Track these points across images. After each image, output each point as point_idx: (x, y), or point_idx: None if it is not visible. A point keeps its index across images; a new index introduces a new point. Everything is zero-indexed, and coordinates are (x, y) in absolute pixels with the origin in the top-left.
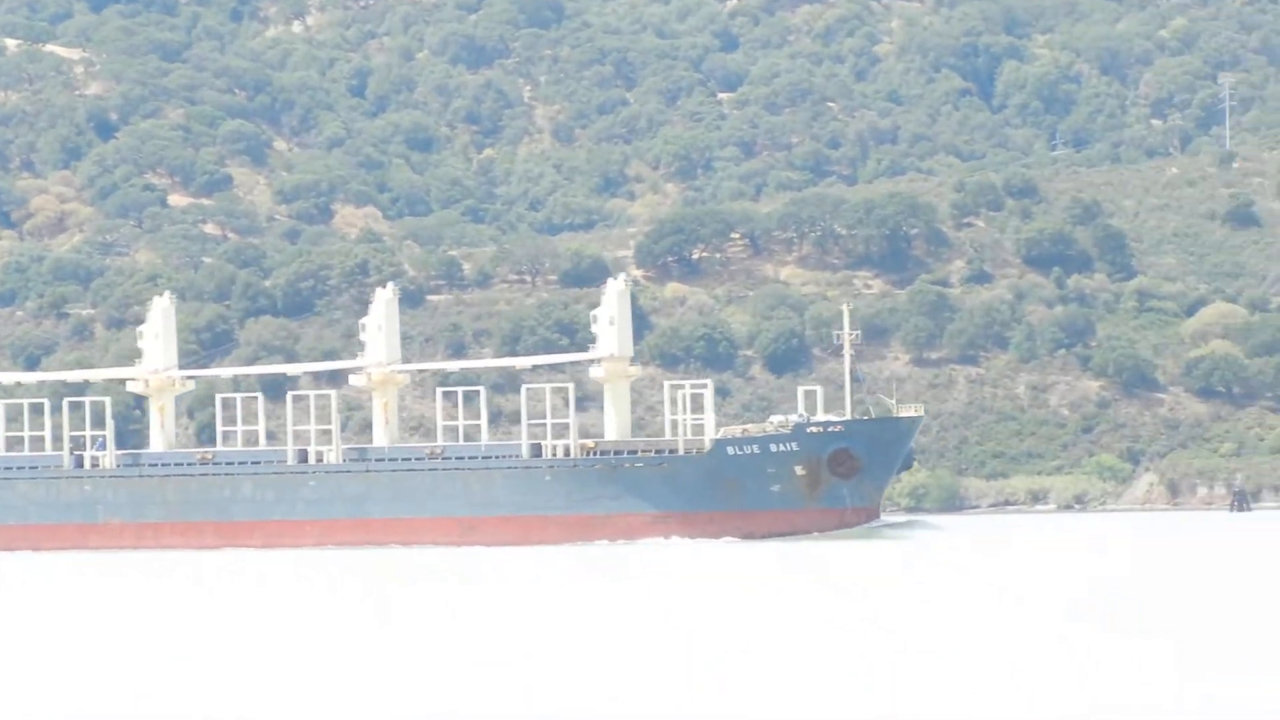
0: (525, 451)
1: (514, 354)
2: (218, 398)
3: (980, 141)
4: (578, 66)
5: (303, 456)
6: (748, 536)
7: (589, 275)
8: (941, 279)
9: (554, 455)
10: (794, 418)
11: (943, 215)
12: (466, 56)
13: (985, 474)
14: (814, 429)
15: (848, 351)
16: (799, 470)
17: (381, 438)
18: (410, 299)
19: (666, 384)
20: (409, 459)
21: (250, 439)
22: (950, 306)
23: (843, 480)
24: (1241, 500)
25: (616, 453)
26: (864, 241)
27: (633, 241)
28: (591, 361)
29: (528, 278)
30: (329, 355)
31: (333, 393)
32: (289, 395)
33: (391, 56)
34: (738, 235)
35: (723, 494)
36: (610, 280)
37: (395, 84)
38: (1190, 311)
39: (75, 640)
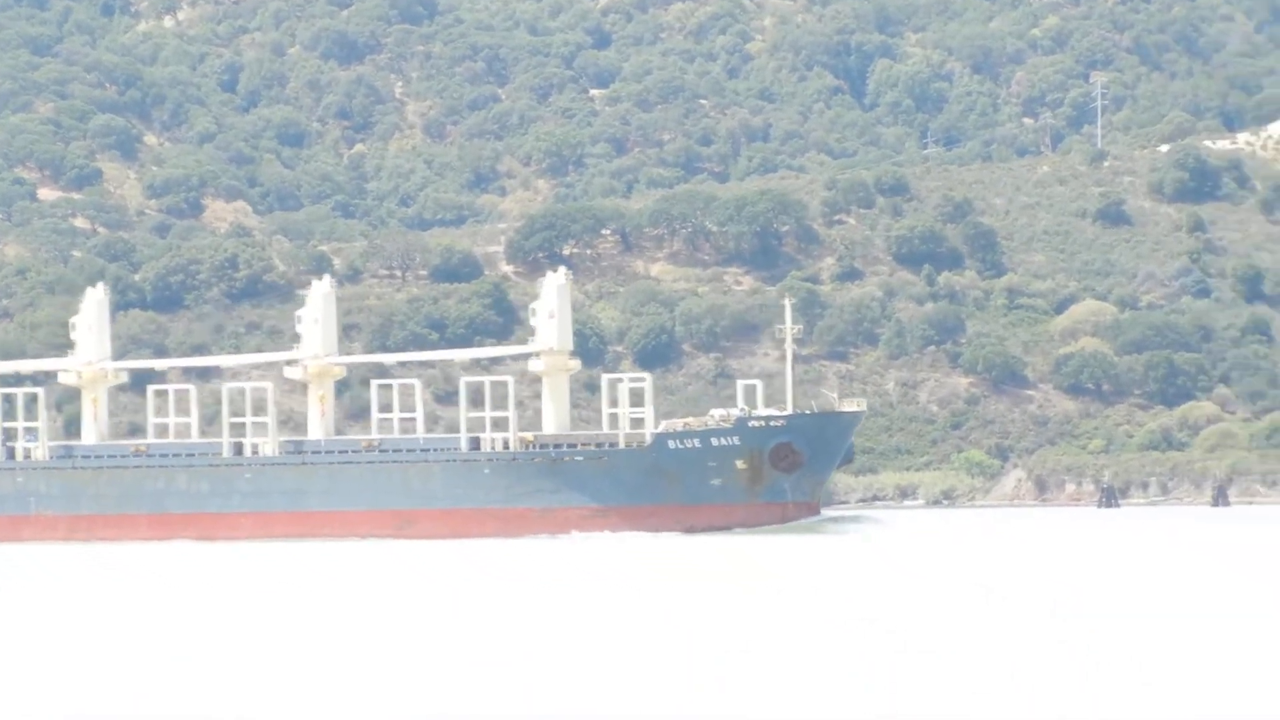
0: (464, 445)
1: (385, 349)
2: (149, 390)
3: (852, 139)
4: (449, 63)
5: (238, 449)
6: (688, 530)
7: (459, 271)
8: (812, 276)
9: (493, 449)
10: (735, 412)
11: (813, 212)
12: (338, 52)
13: (854, 469)
14: (756, 423)
15: (789, 347)
16: (740, 464)
17: (317, 430)
18: (279, 293)
19: (605, 378)
20: (345, 452)
21: (182, 431)
22: (821, 303)
23: (785, 474)
24: (1109, 497)
25: (556, 446)
26: (735, 238)
27: (504, 237)
28: (530, 355)
29: (398, 273)
30: (198, 350)
31: (269, 385)
32: (225, 387)
33: (263, 52)
34: (608, 231)
35: (663, 488)
36: (550, 274)
37: (266, 79)
38: (1060, 309)
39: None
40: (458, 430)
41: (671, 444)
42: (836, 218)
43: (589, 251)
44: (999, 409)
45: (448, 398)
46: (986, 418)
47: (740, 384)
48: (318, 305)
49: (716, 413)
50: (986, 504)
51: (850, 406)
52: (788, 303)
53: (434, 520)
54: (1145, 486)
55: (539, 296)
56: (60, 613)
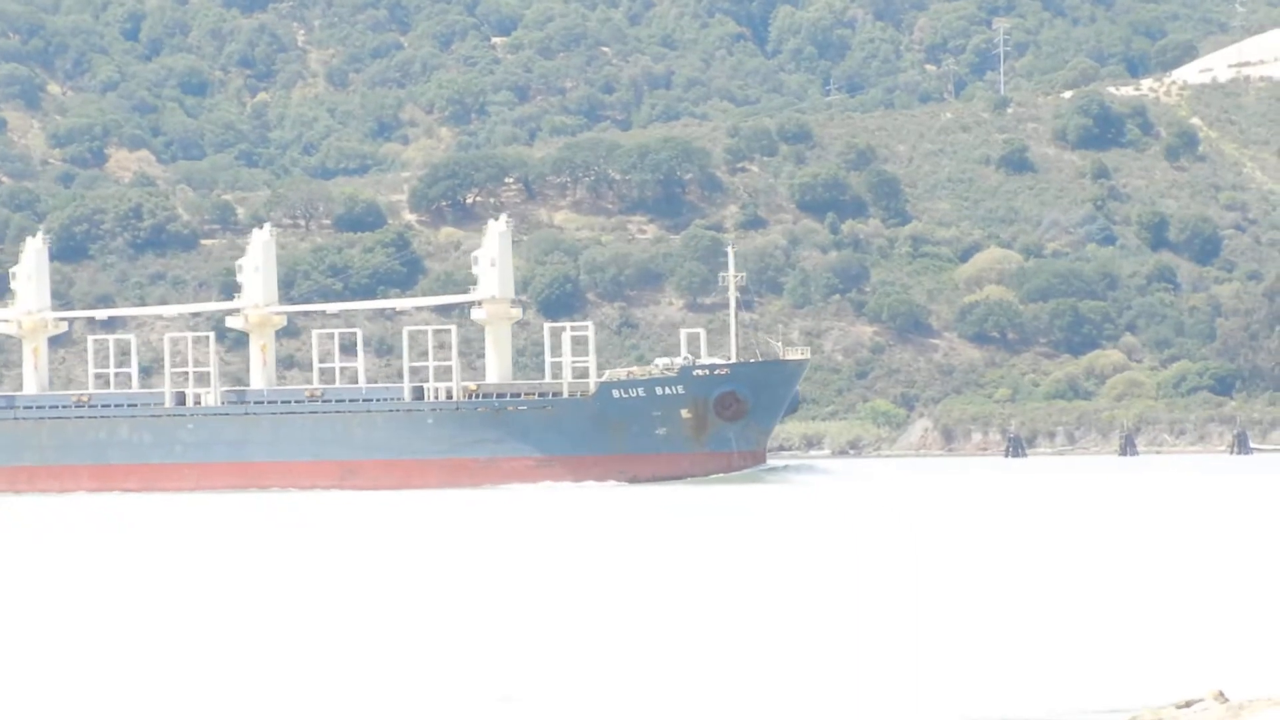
0: (407, 394)
1: (290, 300)
2: (89, 339)
3: (754, 87)
4: (351, 10)
5: (180, 399)
6: (632, 480)
7: (363, 220)
8: (716, 224)
9: (436, 398)
10: (679, 361)
11: (717, 160)
12: (240, 1)
13: None
14: (700, 372)
15: (733, 295)
16: (685, 413)
17: (259, 380)
18: (183, 242)
19: (547, 327)
20: (288, 401)
21: (123, 382)
22: (724, 251)
23: (729, 423)
24: (1016, 446)
25: (500, 395)
26: (638, 186)
27: (407, 186)
28: (472, 304)
29: (301, 221)
30: (104, 300)
31: (210, 335)
32: (166, 337)
33: (165, 0)
34: (511, 180)
35: (607, 438)
36: (491, 222)
37: (169, 27)
38: (964, 257)
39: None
40: (396, 380)
41: (616, 393)
42: (740, 165)
43: (492, 200)
44: (904, 358)
45: (382, 349)
46: (892, 367)
47: (684, 333)
48: (258, 254)
49: (660, 361)
50: (893, 454)
51: (794, 355)
52: (730, 250)
53: (378, 470)
54: (1052, 436)
55: (480, 245)
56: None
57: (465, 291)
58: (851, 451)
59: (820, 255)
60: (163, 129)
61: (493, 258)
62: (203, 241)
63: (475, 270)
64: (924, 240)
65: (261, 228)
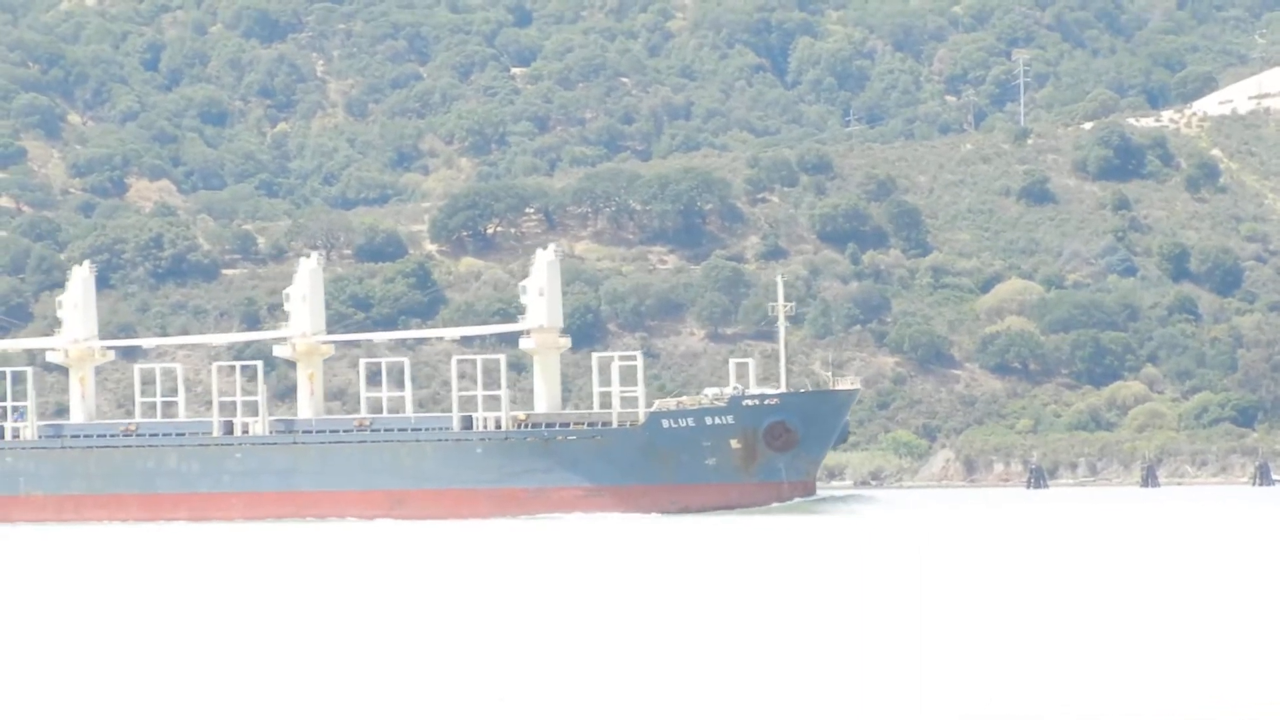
0: (456, 424)
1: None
2: (135, 369)
3: (774, 117)
4: (371, 41)
5: (228, 428)
6: (682, 511)
7: (384, 249)
8: (736, 255)
9: (485, 428)
10: (729, 390)
11: (737, 191)
12: (260, 30)
13: None
14: (750, 401)
15: (782, 324)
16: (734, 443)
17: (307, 409)
18: (204, 272)
19: (595, 356)
20: (337, 431)
21: (170, 411)
22: (745, 282)
23: (779, 454)
24: (1038, 477)
25: (549, 425)
26: (658, 217)
27: (427, 216)
28: (521, 333)
29: (322, 252)
30: (125, 330)
31: (259, 364)
32: (214, 366)
33: (185, 30)
34: (532, 210)
35: (657, 468)
36: (540, 251)
37: (189, 58)
38: (985, 288)
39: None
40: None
41: (665, 423)
42: (760, 196)
43: (512, 230)
44: (925, 389)
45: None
46: (913, 398)
47: (733, 362)
48: (305, 282)
49: (710, 391)
50: (915, 485)
51: (845, 385)
52: (780, 278)
53: (426, 500)
54: (1074, 467)
55: (529, 275)
56: (53, 597)
57: (486, 322)
58: (873, 482)
59: (841, 286)
60: (183, 159)
61: (541, 287)
62: (224, 271)
63: (524, 300)
64: (945, 271)
65: (309, 256)
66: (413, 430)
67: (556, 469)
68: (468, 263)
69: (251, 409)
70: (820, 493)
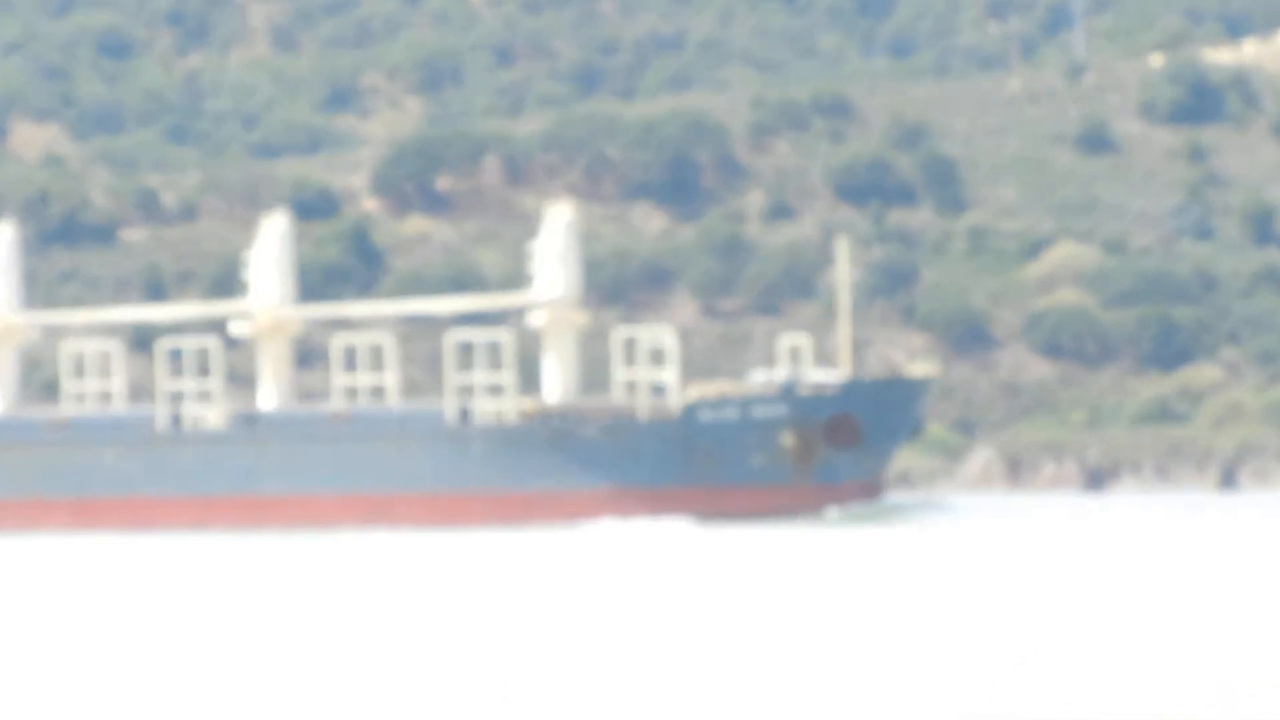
0: (451, 416)
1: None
2: (61, 348)
3: (782, 50)
4: None
5: (177, 421)
6: (721, 517)
7: (314, 207)
8: (736, 214)
9: (487, 421)
10: (779, 376)
11: (737, 138)
12: None
13: None
14: (806, 390)
15: (846, 298)
16: (787, 439)
17: (271, 398)
18: (99, 235)
19: (616, 334)
20: (307, 424)
21: (105, 399)
22: (746, 247)
23: (841, 451)
24: (1096, 480)
25: (564, 418)
26: (642, 168)
27: (367, 167)
28: (528, 307)
29: (241, 210)
30: None
31: (212, 343)
32: (156, 347)
33: None
34: (492, 160)
35: (694, 467)
36: (554, 207)
37: None
38: (1033, 254)
39: None
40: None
41: (704, 415)
42: (764, 144)
43: (468, 184)
44: (962, 375)
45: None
46: (948, 386)
47: (786, 343)
48: (272, 244)
49: (758, 378)
50: (951, 488)
51: (919, 371)
52: (844, 242)
53: (414, 507)
54: (1138, 467)
55: (538, 234)
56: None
57: (433, 294)
58: (901, 485)
59: (861, 250)
60: (75, 98)
61: (557, 250)
62: (121, 233)
63: (534, 266)
64: (985, 233)
65: (274, 212)
66: (399, 424)
67: (573, 468)
68: (414, 223)
69: (204, 398)
70: (888, 498)
